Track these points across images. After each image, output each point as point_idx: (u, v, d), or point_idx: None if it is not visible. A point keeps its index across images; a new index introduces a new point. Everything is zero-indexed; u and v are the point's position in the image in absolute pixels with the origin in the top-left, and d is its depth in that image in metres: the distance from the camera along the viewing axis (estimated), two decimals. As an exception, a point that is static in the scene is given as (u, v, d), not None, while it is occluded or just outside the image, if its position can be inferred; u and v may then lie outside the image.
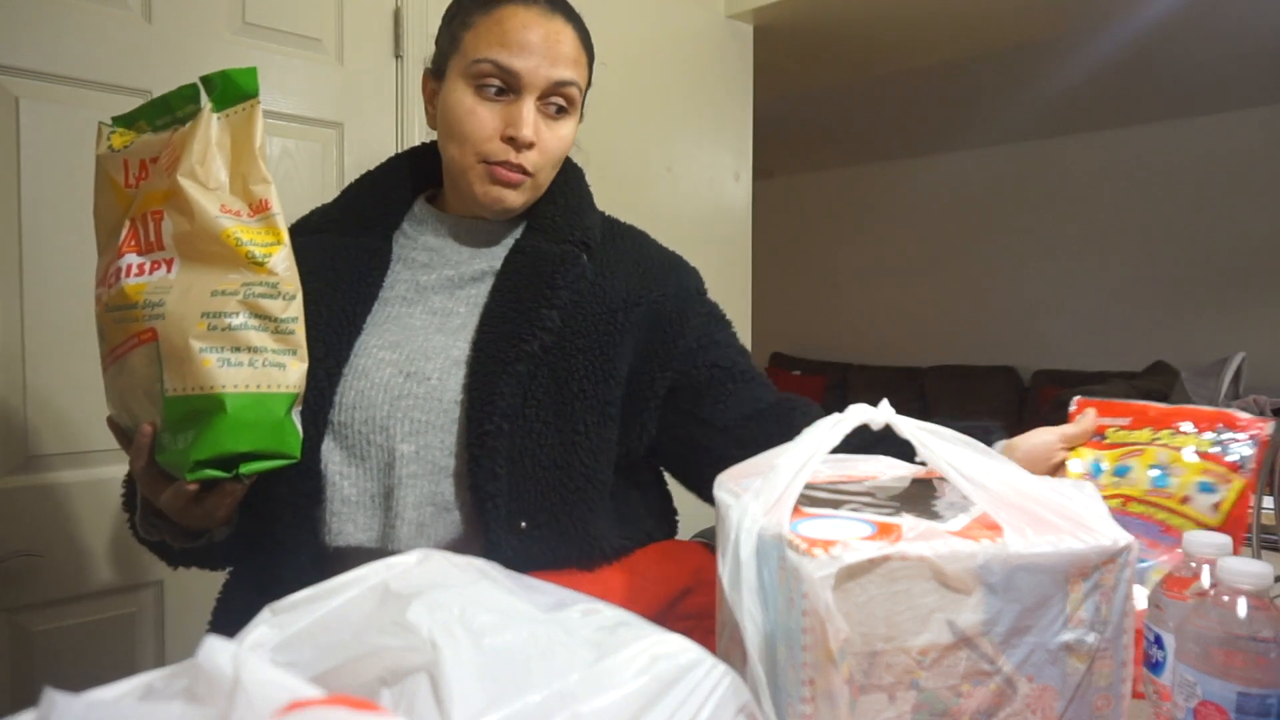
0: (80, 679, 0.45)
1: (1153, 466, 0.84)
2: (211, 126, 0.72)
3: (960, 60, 3.45)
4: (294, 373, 0.74)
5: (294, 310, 0.74)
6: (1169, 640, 0.65)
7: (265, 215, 0.73)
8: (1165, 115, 4.76)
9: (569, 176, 0.97)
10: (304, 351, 0.75)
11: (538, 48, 0.85)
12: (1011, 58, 3.63)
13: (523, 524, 0.81)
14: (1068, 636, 0.52)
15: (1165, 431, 0.85)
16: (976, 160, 5.61)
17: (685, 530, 1.02)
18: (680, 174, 2.38)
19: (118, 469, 1.40)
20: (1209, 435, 0.83)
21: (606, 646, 0.42)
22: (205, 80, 0.74)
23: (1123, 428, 0.88)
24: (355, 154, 1.64)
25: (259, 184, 0.73)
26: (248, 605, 0.49)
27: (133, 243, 0.74)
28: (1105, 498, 0.83)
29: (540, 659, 0.41)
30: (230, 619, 0.87)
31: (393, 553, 0.54)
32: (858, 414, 0.60)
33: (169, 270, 0.73)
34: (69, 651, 1.37)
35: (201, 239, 0.71)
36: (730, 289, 2.52)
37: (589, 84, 0.94)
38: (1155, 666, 0.67)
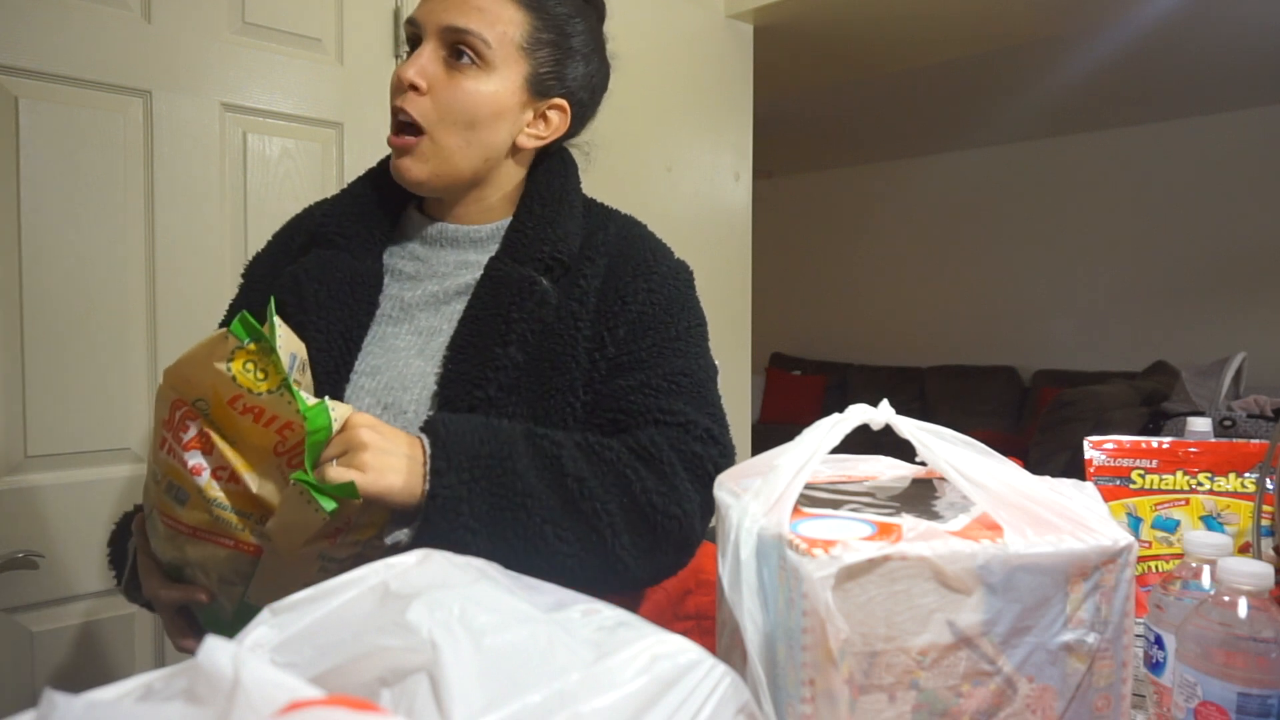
0: (80, 679, 0.45)
1: (1204, 517, 0.78)
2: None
3: (960, 60, 3.45)
4: None
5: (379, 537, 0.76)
6: (1169, 640, 0.65)
7: (348, 533, 0.72)
8: (1165, 115, 4.76)
9: (551, 174, 0.93)
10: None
11: None
12: (1011, 58, 3.63)
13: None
14: (1068, 637, 0.52)
15: (1203, 474, 0.79)
16: (976, 160, 5.61)
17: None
18: (680, 174, 2.38)
19: (117, 469, 1.41)
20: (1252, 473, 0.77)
21: (606, 646, 0.42)
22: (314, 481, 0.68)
23: (1150, 470, 0.82)
24: (355, 154, 1.64)
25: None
26: None
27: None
28: (1154, 556, 0.75)
29: (540, 659, 0.41)
30: None
31: None
32: (858, 414, 0.60)
33: None
34: (69, 651, 1.37)
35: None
36: (730, 289, 2.53)
37: (536, 48, 0.88)
38: (1155, 667, 0.67)
